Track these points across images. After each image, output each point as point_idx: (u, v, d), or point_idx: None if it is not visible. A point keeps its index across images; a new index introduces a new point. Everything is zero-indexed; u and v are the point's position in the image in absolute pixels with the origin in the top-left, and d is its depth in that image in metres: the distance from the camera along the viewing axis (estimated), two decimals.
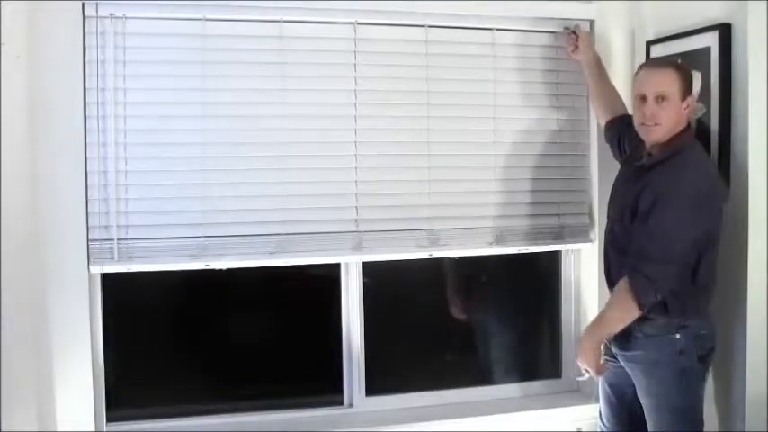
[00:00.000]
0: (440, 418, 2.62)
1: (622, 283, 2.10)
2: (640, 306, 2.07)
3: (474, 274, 2.86)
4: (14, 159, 2.23)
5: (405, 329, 2.82)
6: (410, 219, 2.56)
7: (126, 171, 2.34)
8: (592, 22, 2.72)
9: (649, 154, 2.20)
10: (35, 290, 2.29)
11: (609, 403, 2.39)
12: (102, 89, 2.32)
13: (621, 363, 2.26)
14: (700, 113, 2.39)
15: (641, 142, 2.25)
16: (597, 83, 2.58)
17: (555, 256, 2.85)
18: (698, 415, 2.17)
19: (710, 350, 2.19)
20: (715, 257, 2.17)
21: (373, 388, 2.67)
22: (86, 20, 2.31)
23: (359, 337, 2.64)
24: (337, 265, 2.62)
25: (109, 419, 2.44)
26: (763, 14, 2.23)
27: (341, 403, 2.67)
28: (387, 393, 2.69)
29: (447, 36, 2.59)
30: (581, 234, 2.73)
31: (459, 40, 2.60)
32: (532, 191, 2.68)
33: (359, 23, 2.50)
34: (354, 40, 2.51)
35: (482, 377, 2.84)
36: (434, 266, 2.74)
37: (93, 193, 2.32)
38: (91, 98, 2.32)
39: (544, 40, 2.69)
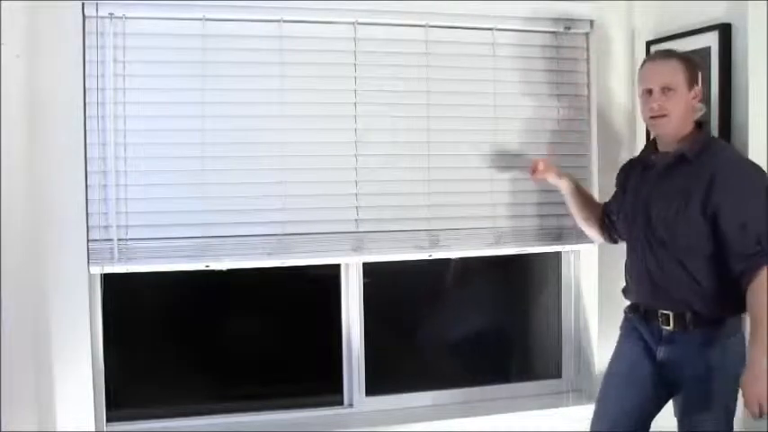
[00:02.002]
0: (440, 418, 2.62)
1: (760, 282, 1.93)
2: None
3: (472, 273, 2.86)
4: (14, 159, 2.24)
5: (405, 329, 2.82)
6: (410, 219, 2.56)
7: (126, 171, 2.34)
8: (592, 22, 2.72)
9: (656, 152, 2.18)
10: (35, 290, 2.29)
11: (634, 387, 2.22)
12: (102, 89, 2.32)
13: (665, 372, 2.14)
14: (699, 113, 2.39)
15: (638, 161, 2.28)
16: (585, 203, 2.51)
17: (553, 256, 2.85)
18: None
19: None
20: None
21: (373, 388, 2.67)
22: (86, 20, 2.31)
23: (359, 337, 2.64)
24: (337, 266, 2.62)
25: (109, 419, 2.44)
26: (763, 14, 2.23)
27: (341, 403, 2.67)
28: (387, 393, 2.69)
29: (447, 36, 2.59)
30: (581, 235, 2.72)
31: (459, 40, 2.60)
32: (532, 191, 2.68)
33: (359, 23, 2.50)
34: (354, 39, 2.51)
35: (482, 377, 2.84)
36: (435, 266, 2.74)
37: (93, 194, 2.32)
38: (91, 98, 2.32)
39: (544, 40, 2.69)
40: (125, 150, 2.34)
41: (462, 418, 2.62)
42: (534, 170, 2.50)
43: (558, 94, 2.70)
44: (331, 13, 2.47)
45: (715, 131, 2.34)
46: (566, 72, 2.70)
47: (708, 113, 2.37)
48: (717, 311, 2.04)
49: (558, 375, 2.87)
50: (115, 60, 2.32)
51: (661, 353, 2.15)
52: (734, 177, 2.02)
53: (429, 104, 2.57)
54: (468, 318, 2.90)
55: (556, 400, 2.79)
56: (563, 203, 2.69)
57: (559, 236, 2.71)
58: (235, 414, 2.59)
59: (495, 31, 2.62)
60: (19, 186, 2.25)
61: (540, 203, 2.70)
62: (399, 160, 2.56)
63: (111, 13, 2.31)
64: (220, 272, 2.42)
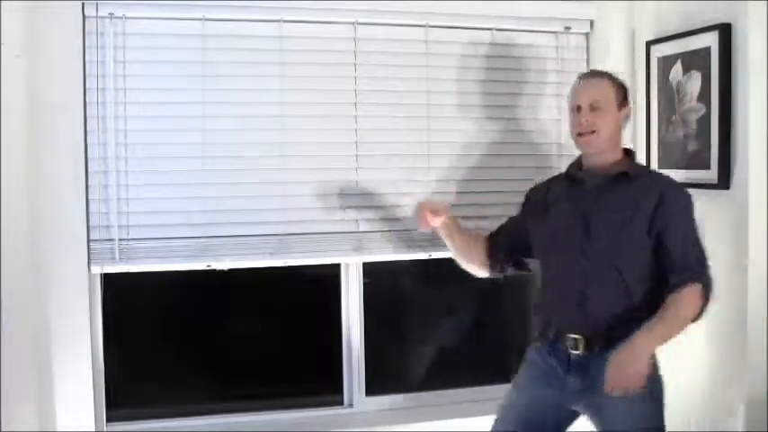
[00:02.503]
0: (440, 418, 2.62)
1: (693, 290, 1.97)
2: (698, 317, 2.00)
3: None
4: (14, 159, 2.24)
5: (405, 329, 2.82)
6: (410, 219, 2.56)
7: (126, 171, 2.35)
8: (592, 22, 2.72)
9: (581, 170, 2.16)
10: (35, 290, 2.29)
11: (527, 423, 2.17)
12: (102, 89, 2.32)
13: (583, 403, 2.08)
14: (699, 114, 2.39)
15: (552, 181, 2.26)
16: (462, 243, 2.37)
17: None
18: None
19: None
20: None
21: (373, 388, 2.67)
22: (86, 20, 2.31)
23: (359, 337, 2.64)
24: (337, 266, 2.62)
25: (109, 419, 2.44)
26: (763, 14, 2.23)
27: (341, 403, 2.67)
28: (387, 393, 2.69)
29: (447, 36, 2.59)
30: None
31: (459, 39, 2.60)
32: None
33: (359, 23, 2.50)
34: (354, 39, 2.51)
35: (482, 377, 2.84)
36: (435, 266, 2.74)
37: (93, 194, 2.33)
38: (91, 98, 2.32)
39: (544, 40, 2.69)
40: (125, 150, 2.34)
41: (462, 418, 2.62)
42: (425, 216, 2.32)
43: (557, 94, 2.70)
44: (331, 13, 2.47)
45: (715, 131, 2.34)
46: (566, 72, 2.70)
47: (708, 113, 2.37)
48: (635, 328, 1.97)
49: None
50: (115, 60, 2.32)
51: (573, 382, 2.07)
52: (679, 198, 2.06)
53: (429, 104, 2.57)
54: (468, 318, 2.90)
55: None
56: None
57: None
58: (235, 414, 2.60)
59: (494, 31, 2.63)
60: (19, 186, 2.25)
61: None
62: (399, 160, 2.56)
63: (111, 13, 2.31)
64: (220, 272, 2.42)
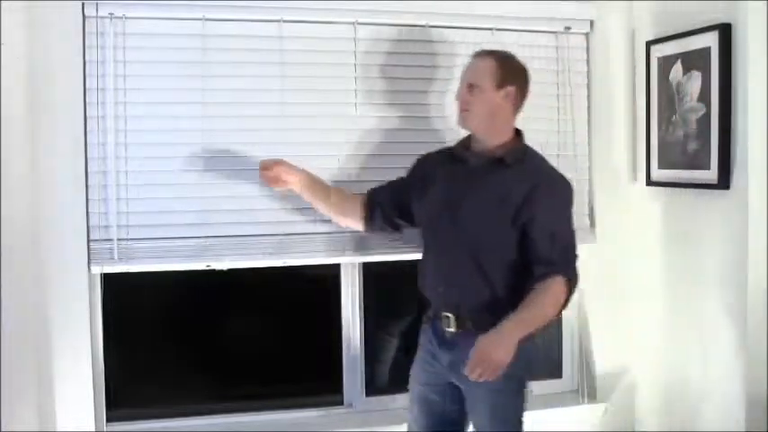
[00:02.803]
0: None
1: (557, 282, 2.00)
2: (560, 311, 2.03)
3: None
4: (14, 159, 2.24)
5: (405, 329, 2.81)
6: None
7: (126, 171, 2.34)
8: (592, 22, 2.72)
9: (469, 150, 2.16)
10: (35, 290, 2.29)
11: (430, 415, 2.22)
12: (102, 89, 2.32)
13: (449, 376, 2.13)
14: (699, 114, 2.39)
15: (446, 154, 2.23)
16: (326, 195, 2.34)
17: None
18: (522, 423, 2.12)
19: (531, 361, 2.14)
20: None
21: (373, 388, 2.67)
22: (86, 20, 2.31)
23: (359, 337, 2.64)
24: (337, 266, 2.62)
25: (109, 419, 2.44)
26: (763, 14, 2.23)
27: (341, 403, 2.67)
28: (387, 393, 2.69)
29: (447, 36, 2.59)
30: (581, 234, 2.72)
31: (459, 40, 2.60)
32: None
33: (359, 23, 2.50)
34: (354, 40, 2.50)
35: None
36: None
37: (93, 194, 2.32)
38: (91, 98, 2.32)
39: (544, 40, 2.69)
40: (125, 150, 2.34)
41: None
42: (269, 173, 2.28)
43: (557, 94, 2.70)
44: (331, 13, 2.47)
45: (715, 131, 2.34)
46: (566, 72, 2.70)
47: (708, 113, 2.37)
48: (499, 315, 1.99)
49: (559, 375, 2.87)
50: (115, 60, 2.32)
51: (444, 357, 2.13)
52: (550, 189, 2.08)
53: (429, 105, 2.57)
54: None
55: (556, 400, 2.79)
56: None
57: None
58: (235, 414, 2.59)
59: (494, 31, 2.62)
60: (19, 186, 2.25)
61: None
62: (399, 160, 2.55)
63: (111, 13, 2.31)
64: (220, 272, 2.42)
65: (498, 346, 1.89)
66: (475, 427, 2.15)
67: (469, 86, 2.11)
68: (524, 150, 2.16)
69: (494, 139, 2.13)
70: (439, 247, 2.16)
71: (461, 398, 2.14)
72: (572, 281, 2.04)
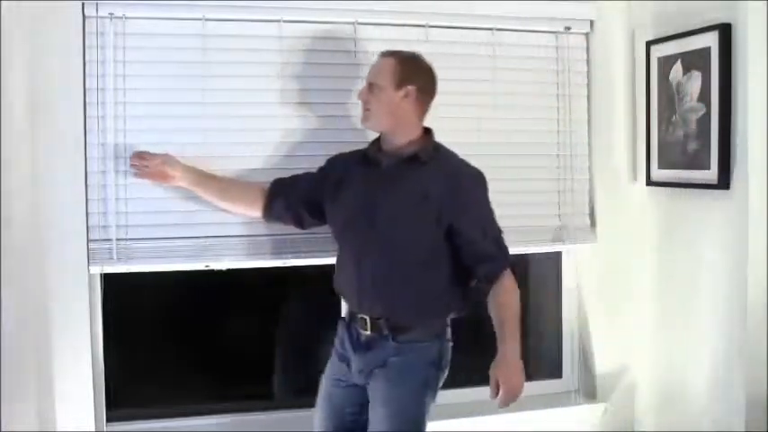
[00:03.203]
0: (440, 418, 2.61)
1: (507, 277, 2.09)
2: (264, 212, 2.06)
3: None
4: (14, 159, 2.24)
5: None
6: None
7: (126, 171, 2.34)
8: (592, 22, 2.72)
9: (381, 151, 2.16)
10: (35, 290, 2.29)
11: (334, 416, 2.20)
12: (103, 89, 2.32)
13: (357, 379, 2.13)
14: (699, 113, 2.39)
15: (354, 155, 2.22)
16: (222, 187, 2.31)
17: (553, 256, 2.85)
18: (425, 427, 2.12)
19: (448, 363, 2.15)
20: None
21: None
22: (86, 20, 2.31)
23: None
24: None
25: (109, 419, 2.44)
26: (763, 14, 2.23)
27: None
28: None
29: (447, 36, 2.59)
30: (581, 234, 2.73)
31: (459, 39, 2.60)
32: (532, 191, 2.68)
33: (359, 23, 2.50)
34: (354, 40, 2.50)
35: (481, 377, 2.83)
36: None
37: (93, 193, 2.32)
38: (91, 98, 2.32)
39: (544, 40, 2.69)
40: (125, 150, 2.34)
41: (462, 418, 2.62)
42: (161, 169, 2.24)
43: (557, 94, 2.70)
44: (331, 13, 2.47)
45: (715, 131, 2.34)
46: (566, 72, 2.70)
47: (708, 113, 2.37)
48: (416, 316, 2.05)
49: (559, 375, 2.87)
50: (115, 60, 2.32)
51: (356, 361, 2.12)
52: (472, 183, 2.10)
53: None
54: (467, 317, 2.89)
55: (556, 400, 2.79)
56: (563, 203, 2.70)
57: (559, 236, 2.71)
58: (235, 414, 2.59)
59: (495, 31, 2.62)
60: (19, 186, 2.25)
61: (540, 203, 2.70)
62: None
63: (111, 13, 2.31)
64: (220, 272, 2.42)
65: (514, 375, 2.00)
66: (372, 426, 2.10)
67: (370, 85, 2.13)
68: (437, 147, 2.15)
69: (400, 137, 2.13)
70: (356, 250, 2.14)
71: (365, 400, 2.13)
72: (512, 266, 2.09)
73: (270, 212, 2.30)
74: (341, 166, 2.24)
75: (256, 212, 2.31)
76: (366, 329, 2.10)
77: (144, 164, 2.27)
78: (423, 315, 2.09)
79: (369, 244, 2.09)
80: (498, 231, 2.12)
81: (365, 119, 2.16)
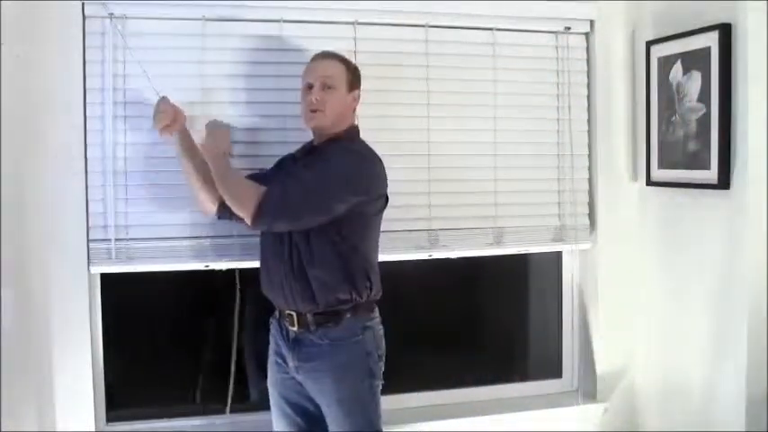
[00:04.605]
0: (440, 418, 2.62)
1: (258, 191, 1.98)
2: (255, 212, 1.96)
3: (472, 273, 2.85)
4: (14, 159, 2.24)
5: (405, 329, 2.81)
6: (410, 219, 2.55)
7: (125, 171, 2.34)
8: (592, 22, 2.72)
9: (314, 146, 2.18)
10: (35, 290, 2.29)
11: (284, 417, 2.22)
12: (103, 89, 2.32)
13: (300, 377, 2.13)
14: (699, 113, 2.39)
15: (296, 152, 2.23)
16: (203, 168, 2.21)
17: (553, 256, 2.85)
18: (380, 415, 2.14)
19: (384, 350, 2.15)
20: (373, 248, 2.15)
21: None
22: (86, 20, 2.31)
23: None
24: None
25: (109, 419, 2.44)
26: (763, 14, 2.23)
27: None
28: (387, 393, 2.68)
29: (447, 36, 2.59)
30: (581, 234, 2.73)
31: (459, 39, 2.60)
32: (532, 191, 2.68)
33: (359, 23, 2.50)
34: (354, 39, 2.50)
35: (481, 377, 2.83)
36: (434, 266, 2.73)
37: (93, 194, 2.32)
38: (91, 98, 2.32)
39: (544, 40, 2.69)
40: (125, 150, 2.34)
41: (462, 418, 2.62)
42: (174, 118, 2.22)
43: (557, 94, 2.70)
44: (331, 13, 2.47)
45: (715, 131, 2.34)
46: (566, 72, 2.70)
47: (708, 113, 2.37)
48: (340, 314, 2.05)
49: (559, 375, 2.87)
50: (115, 60, 2.32)
51: (290, 358, 2.13)
52: (338, 150, 2.07)
53: (429, 104, 2.57)
54: (467, 317, 2.90)
55: (556, 400, 2.79)
56: (563, 203, 2.70)
57: (559, 236, 2.71)
58: (235, 414, 2.59)
59: (495, 31, 2.62)
60: (19, 186, 2.25)
61: (540, 203, 2.70)
62: (399, 160, 2.55)
63: (111, 13, 2.31)
64: (220, 272, 2.41)
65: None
66: (332, 427, 2.10)
67: (323, 86, 2.12)
68: (338, 136, 2.14)
69: (332, 132, 2.15)
70: (270, 245, 2.13)
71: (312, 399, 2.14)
72: (263, 205, 1.96)
73: (223, 209, 2.23)
74: (285, 164, 2.26)
75: (212, 208, 2.25)
76: (294, 326, 2.10)
77: (168, 106, 2.22)
78: (345, 310, 2.05)
79: (278, 240, 2.10)
80: (305, 192, 2.00)
81: (317, 119, 2.12)
